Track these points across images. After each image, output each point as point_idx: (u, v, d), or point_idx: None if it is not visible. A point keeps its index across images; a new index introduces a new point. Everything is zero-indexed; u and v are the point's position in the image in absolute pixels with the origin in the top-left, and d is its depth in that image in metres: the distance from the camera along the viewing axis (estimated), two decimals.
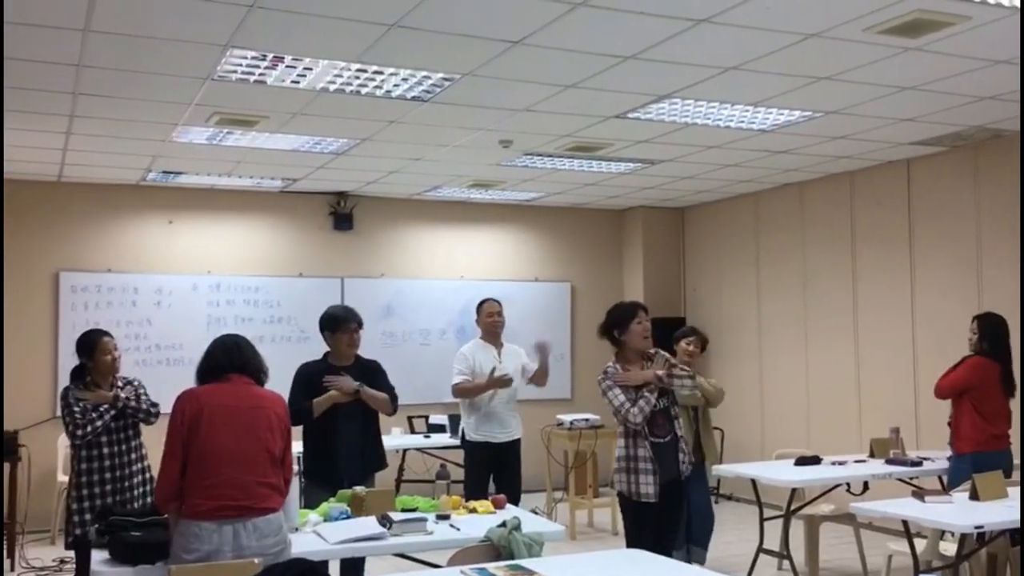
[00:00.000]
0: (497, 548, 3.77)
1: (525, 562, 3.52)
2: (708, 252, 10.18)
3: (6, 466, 6.92)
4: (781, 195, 9.11)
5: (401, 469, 8.58)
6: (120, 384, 5.08)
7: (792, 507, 5.97)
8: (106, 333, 5.15)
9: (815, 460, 6.15)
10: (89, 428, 4.81)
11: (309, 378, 5.06)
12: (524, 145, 7.20)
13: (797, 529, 6.34)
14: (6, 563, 6.83)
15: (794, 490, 5.83)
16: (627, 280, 10.58)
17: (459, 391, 6.30)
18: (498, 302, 6.55)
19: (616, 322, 4.90)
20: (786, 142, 7.15)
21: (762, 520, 6.05)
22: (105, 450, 4.86)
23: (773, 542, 6.10)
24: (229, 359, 3.70)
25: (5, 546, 6.92)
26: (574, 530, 7.72)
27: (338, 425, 5.01)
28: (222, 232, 9.07)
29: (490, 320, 6.44)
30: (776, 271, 9.20)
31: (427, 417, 8.64)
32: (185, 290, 8.85)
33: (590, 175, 8.47)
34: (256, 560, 3.06)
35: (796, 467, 6.03)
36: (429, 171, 8.21)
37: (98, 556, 3.72)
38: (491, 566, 3.43)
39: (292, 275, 9.27)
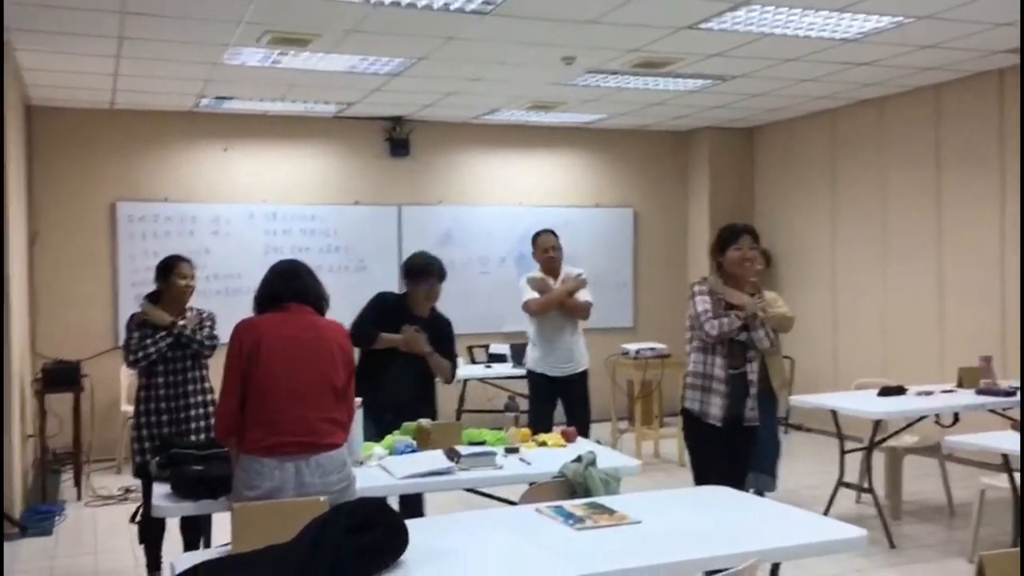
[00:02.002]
0: (572, 484, 3.57)
1: (605, 500, 3.31)
2: (779, 175, 9.73)
3: (70, 396, 6.94)
4: (859, 112, 8.61)
5: (462, 399, 8.45)
6: (188, 314, 4.93)
7: (871, 441, 5.69)
8: (185, 259, 4.99)
9: (900, 390, 5.84)
10: (141, 354, 4.69)
11: (384, 309, 4.89)
12: (587, 62, 6.82)
13: (877, 462, 6.07)
14: (74, 491, 6.88)
15: (877, 422, 5.54)
16: (692, 205, 10.20)
17: (535, 304, 6.08)
18: (554, 234, 6.27)
19: (718, 244, 4.61)
20: (870, 52, 6.67)
21: (843, 452, 5.78)
22: (161, 379, 4.74)
23: (851, 475, 5.83)
24: (288, 286, 3.49)
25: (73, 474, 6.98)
26: (641, 460, 7.51)
27: (393, 370, 4.83)
28: (277, 160, 8.87)
29: (546, 256, 6.20)
30: (852, 193, 8.75)
31: (487, 346, 8.47)
32: (242, 219, 8.72)
33: (656, 94, 8.06)
34: (322, 498, 2.88)
35: (880, 398, 5.73)
36: (488, 92, 7.88)
37: (160, 489, 3.61)
38: (568, 504, 3.23)
39: (348, 203, 9.07)
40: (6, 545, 5.68)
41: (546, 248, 6.22)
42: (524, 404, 8.05)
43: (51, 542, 5.80)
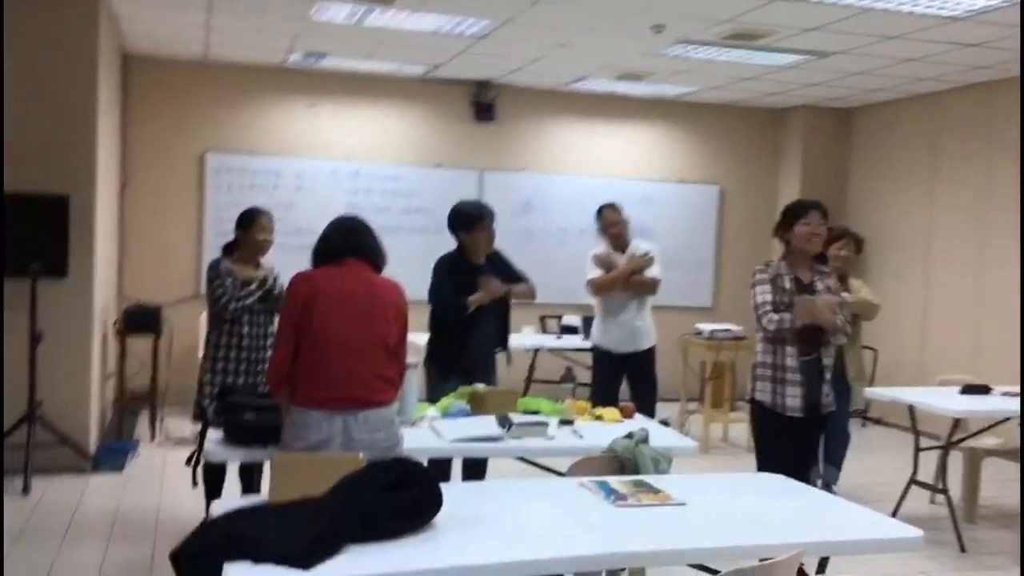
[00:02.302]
0: (621, 460, 3.48)
1: (650, 478, 3.22)
2: (876, 159, 9.35)
3: (150, 339, 7.14)
4: (966, 96, 8.18)
5: (532, 369, 8.41)
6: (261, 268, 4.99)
7: (953, 438, 5.44)
8: (265, 212, 5.04)
9: (984, 389, 5.56)
10: (241, 303, 4.75)
11: (453, 273, 4.84)
12: (678, 31, 6.63)
13: (955, 463, 5.81)
14: (148, 431, 7.09)
15: (957, 420, 5.28)
16: (783, 185, 9.89)
17: (596, 285, 5.98)
18: (616, 209, 6.12)
19: (785, 220, 4.44)
20: (980, 33, 6.31)
21: (918, 449, 5.54)
22: (245, 329, 4.78)
23: (925, 474, 5.59)
24: (345, 241, 3.47)
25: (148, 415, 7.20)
26: (707, 443, 7.39)
27: (476, 326, 4.82)
28: (363, 118, 8.92)
29: (611, 232, 6.07)
30: (953, 183, 8.35)
31: (560, 317, 8.39)
32: (325, 175, 8.80)
33: (749, 68, 7.80)
34: (362, 455, 2.86)
35: (962, 395, 5.47)
36: (575, 59, 7.74)
37: (214, 435, 3.66)
38: (613, 479, 3.15)
39: (431, 165, 9.07)
40: (79, 477, 5.90)
41: (610, 223, 6.08)
42: (554, 375, 8.07)
43: (121, 479, 5.99)
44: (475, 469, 4.90)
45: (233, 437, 3.57)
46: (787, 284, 4.32)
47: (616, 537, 2.58)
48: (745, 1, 5.81)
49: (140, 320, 7.01)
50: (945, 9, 5.77)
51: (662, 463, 3.47)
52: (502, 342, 5.06)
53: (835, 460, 6.06)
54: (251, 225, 4.86)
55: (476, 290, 4.78)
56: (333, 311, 3.30)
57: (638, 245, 6.13)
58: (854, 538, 2.70)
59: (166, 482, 5.95)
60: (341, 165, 8.84)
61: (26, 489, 5.53)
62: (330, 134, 8.81)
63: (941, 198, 8.48)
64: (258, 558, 2.28)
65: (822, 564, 2.96)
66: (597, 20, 6.39)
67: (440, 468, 4.59)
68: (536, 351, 8.38)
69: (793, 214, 4.43)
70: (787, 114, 9.84)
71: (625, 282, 5.97)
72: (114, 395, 7.33)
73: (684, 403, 7.73)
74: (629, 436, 3.57)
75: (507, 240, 9.13)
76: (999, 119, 7.85)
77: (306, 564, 2.25)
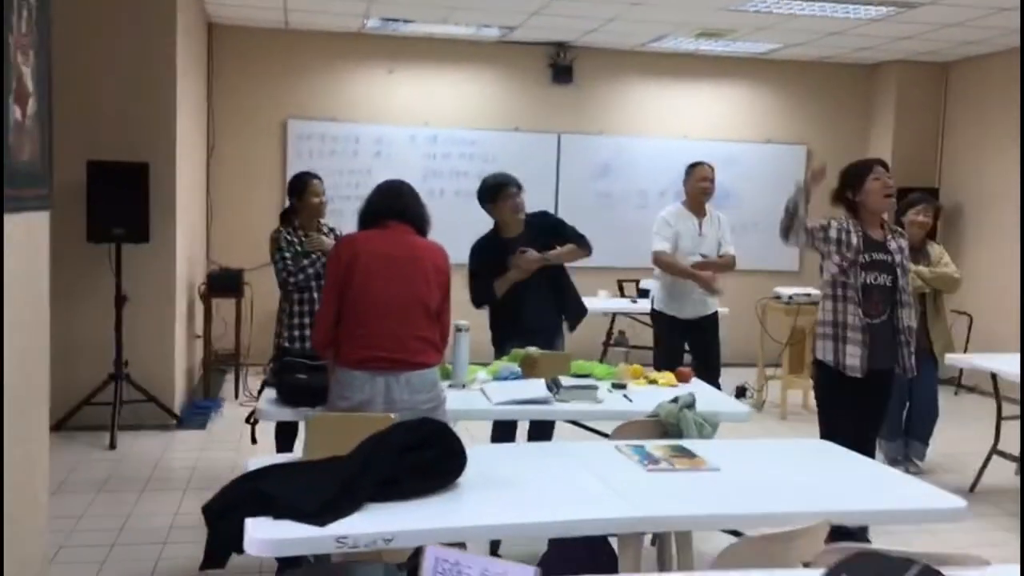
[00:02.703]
0: (665, 425, 3.45)
1: (689, 443, 3.18)
2: (973, 115, 8.90)
3: (232, 302, 7.38)
4: None
5: (610, 333, 8.38)
6: (325, 231, 5.07)
7: None
8: (315, 176, 5.12)
9: None
10: (301, 276, 4.81)
11: (484, 255, 4.71)
12: None
13: None
14: (233, 390, 7.34)
15: None
16: (874, 144, 9.51)
17: (662, 263, 5.86)
18: (711, 167, 5.96)
19: (850, 181, 4.30)
20: None
21: (999, 418, 5.32)
22: (316, 295, 4.82)
23: (1013, 444, 5.36)
24: (388, 205, 3.51)
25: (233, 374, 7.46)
26: (785, 410, 7.25)
27: (527, 297, 4.67)
28: (440, 83, 8.94)
29: (701, 186, 5.86)
30: None
31: (638, 282, 8.30)
32: (403, 141, 8.87)
33: (835, 22, 7.51)
34: (393, 415, 2.90)
35: None
36: (651, 17, 7.58)
37: (268, 395, 3.77)
38: (650, 444, 3.12)
39: (508, 129, 9.05)
40: (163, 433, 6.17)
41: (703, 178, 5.88)
42: (631, 340, 7.94)
43: (203, 435, 6.24)
44: (541, 431, 4.88)
45: (285, 396, 3.67)
46: (855, 240, 4.19)
47: (642, 501, 2.57)
48: None
49: (223, 283, 7.25)
50: None
51: (706, 428, 3.43)
52: (562, 309, 4.88)
53: (921, 435, 5.88)
54: (304, 190, 4.94)
55: (508, 258, 4.64)
56: (374, 273, 3.35)
57: (712, 214, 5.96)
58: (889, 508, 2.62)
59: (244, 439, 6.12)
60: (419, 131, 8.91)
61: (112, 444, 5.81)
62: (408, 99, 8.87)
63: None
64: (278, 514, 2.35)
65: (862, 532, 2.89)
66: None
67: (506, 430, 4.64)
68: (614, 315, 8.34)
69: (860, 173, 4.29)
70: (878, 70, 9.44)
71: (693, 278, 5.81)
72: (202, 355, 7.61)
73: (762, 368, 7.59)
74: (675, 401, 3.53)
75: (585, 204, 9.24)
76: None
77: (322, 521, 2.31)
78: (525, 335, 4.61)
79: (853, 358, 4.11)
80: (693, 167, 5.98)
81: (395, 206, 3.52)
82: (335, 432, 2.79)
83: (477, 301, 4.72)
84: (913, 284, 5.52)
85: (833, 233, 4.18)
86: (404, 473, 2.50)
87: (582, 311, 4.94)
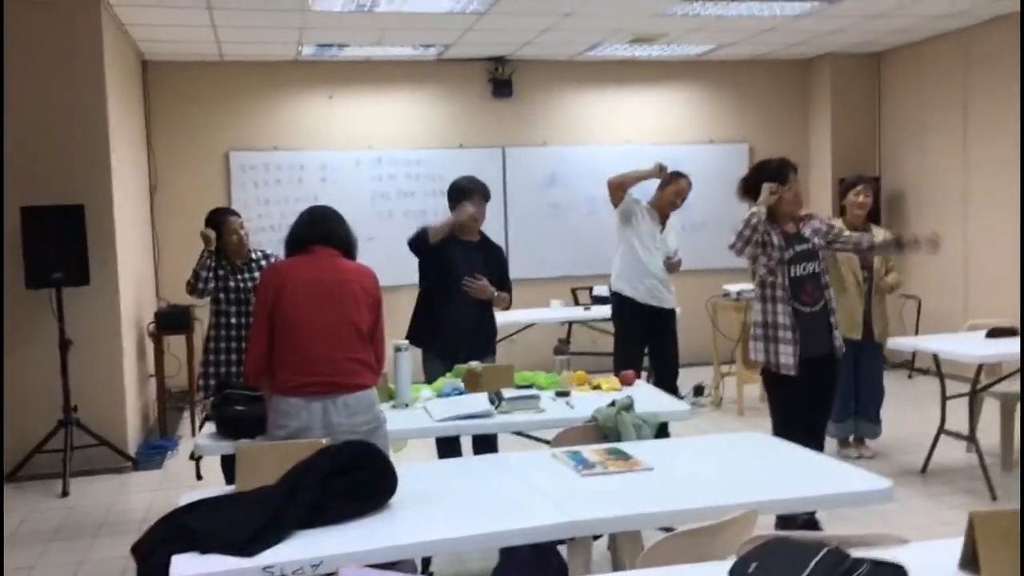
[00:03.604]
0: (603, 429, 3.47)
1: (625, 445, 3.20)
2: (907, 102, 9.06)
3: (183, 338, 7.32)
4: (994, 30, 7.86)
5: (567, 343, 8.39)
6: (254, 257, 5.06)
7: (982, 384, 5.28)
8: (232, 212, 5.12)
9: (1012, 332, 5.37)
10: (194, 281, 4.85)
11: (432, 237, 4.79)
12: None
13: (992, 409, 5.64)
14: (189, 427, 7.27)
15: (980, 366, 5.12)
16: (813, 137, 9.66)
17: (613, 180, 5.98)
18: (690, 184, 6.03)
19: (765, 180, 4.35)
20: None
21: (944, 398, 5.40)
22: (233, 320, 4.86)
23: (961, 423, 5.44)
24: (312, 230, 3.51)
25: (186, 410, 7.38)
26: (742, 406, 7.31)
27: (454, 295, 4.75)
28: (381, 105, 8.95)
29: (674, 201, 6.03)
30: (986, 119, 8.04)
31: (591, 289, 8.35)
32: (348, 166, 8.86)
33: (764, 20, 7.61)
34: (324, 440, 2.89)
35: (988, 339, 5.29)
36: (584, 27, 7.64)
37: (208, 428, 3.74)
38: (586, 449, 3.14)
39: (453, 147, 9.07)
40: (118, 476, 6.09)
41: (678, 192, 6.02)
42: (587, 347, 8.04)
43: (159, 475, 6.16)
44: (486, 444, 4.89)
45: (224, 429, 3.65)
46: (776, 239, 4.26)
47: (574, 506, 2.58)
48: None
49: (172, 320, 7.19)
50: None
51: (644, 429, 3.46)
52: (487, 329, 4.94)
53: (870, 415, 5.95)
54: (220, 228, 4.94)
55: (460, 263, 4.76)
56: (302, 298, 3.34)
57: (675, 225, 6.15)
58: (816, 494, 2.65)
59: (204, 476, 6.10)
60: (364, 154, 8.90)
61: (65, 492, 5.72)
62: (350, 123, 8.87)
63: (975, 136, 8.19)
64: (205, 548, 2.33)
65: (811, 520, 2.92)
66: None
67: (450, 445, 4.64)
68: (571, 324, 8.37)
69: (772, 177, 4.33)
70: (814, 64, 9.59)
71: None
72: (156, 394, 7.53)
73: (717, 366, 7.64)
74: (612, 404, 3.55)
75: (534, 215, 9.29)
76: None
77: (250, 552, 2.30)
78: (444, 339, 4.70)
79: (786, 356, 4.18)
80: (674, 179, 6.05)
81: (320, 231, 3.52)
82: (267, 462, 2.77)
83: (412, 240, 4.80)
84: (852, 267, 5.63)
85: (759, 235, 4.24)
86: (332, 497, 2.50)
87: (491, 347, 4.98)
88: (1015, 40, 7.66)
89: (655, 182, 6.11)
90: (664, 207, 6.04)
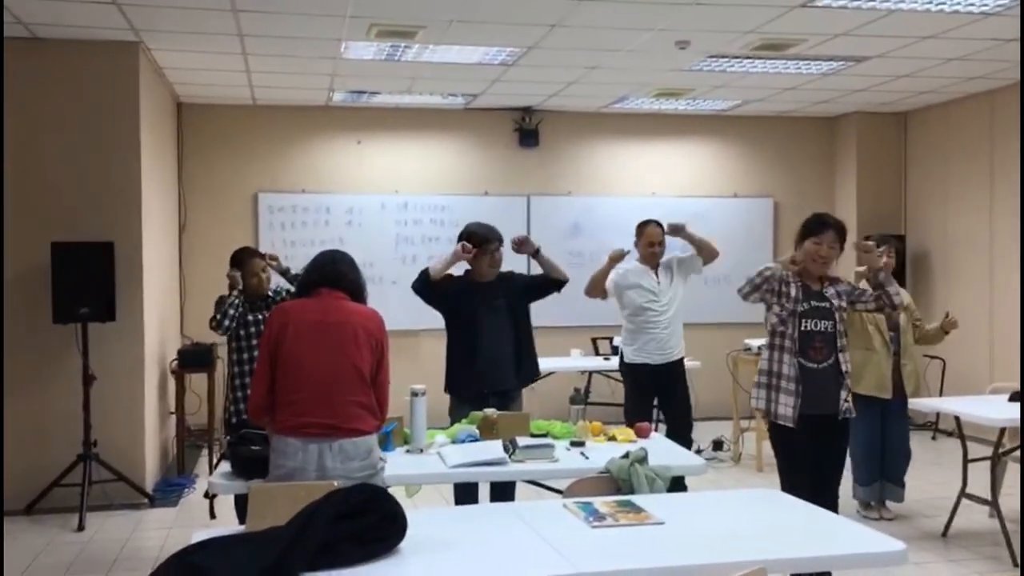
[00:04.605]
0: (617, 480, 3.46)
1: (637, 498, 3.18)
2: (933, 162, 9.06)
3: (204, 376, 7.38)
4: (1020, 92, 7.87)
5: (587, 392, 8.37)
6: (271, 294, 5.16)
7: (1005, 448, 5.21)
8: (257, 253, 5.21)
9: None
10: (220, 317, 4.92)
11: (449, 284, 4.86)
12: (704, 46, 6.57)
13: (1015, 474, 5.55)
14: (207, 465, 7.29)
15: (1003, 429, 5.06)
16: (839, 195, 9.66)
17: (587, 287, 6.02)
18: (661, 228, 6.06)
19: (801, 233, 4.39)
20: (1018, 27, 6.08)
21: (966, 461, 5.33)
22: (246, 355, 4.92)
23: (985, 487, 5.35)
24: (321, 274, 3.56)
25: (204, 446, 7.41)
26: (761, 461, 7.22)
27: (483, 331, 4.78)
28: (409, 151, 9.07)
29: (651, 250, 6.02)
30: (1012, 181, 8.01)
31: (611, 339, 8.33)
32: (374, 209, 8.97)
33: (787, 78, 7.67)
34: (336, 483, 2.90)
35: (1010, 403, 5.23)
36: (610, 80, 7.74)
37: (223, 467, 3.76)
38: (598, 500, 3.13)
39: (478, 194, 9.16)
40: (135, 513, 6.12)
41: (652, 241, 6.03)
42: (607, 397, 8.03)
43: (174, 513, 6.18)
44: (502, 492, 4.87)
45: (238, 468, 3.66)
46: (793, 291, 4.26)
47: (583, 559, 2.56)
48: (764, 11, 5.73)
49: (194, 358, 7.25)
50: (973, 6, 5.59)
51: (658, 482, 3.44)
52: (519, 361, 4.91)
53: (895, 477, 5.88)
54: (243, 269, 5.04)
55: (480, 301, 4.80)
56: (303, 339, 3.37)
57: (668, 261, 6.09)
58: (828, 554, 2.62)
59: (217, 515, 6.10)
60: (390, 198, 9.01)
61: (81, 526, 5.75)
62: (378, 168, 8.99)
63: (1002, 200, 8.16)
64: None
65: None
66: (618, 41, 6.39)
67: (467, 492, 4.63)
68: (591, 374, 8.35)
69: (808, 228, 4.37)
70: (840, 121, 9.63)
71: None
72: (175, 431, 7.57)
73: (737, 421, 7.59)
74: (626, 456, 3.54)
75: (557, 262, 9.26)
76: None
77: None
78: (480, 375, 4.70)
79: (785, 407, 4.16)
80: (642, 227, 6.10)
81: (328, 274, 3.56)
82: (279, 502, 2.79)
83: (415, 282, 4.84)
84: (879, 326, 5.60)
85: (775, 284, 4.24)
86: (340, 540, 2.50)
87: (534, 370, 4.99)
88: None
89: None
90: (647, 258, 6.05)
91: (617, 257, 5.92)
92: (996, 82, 7.86)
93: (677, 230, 5.97)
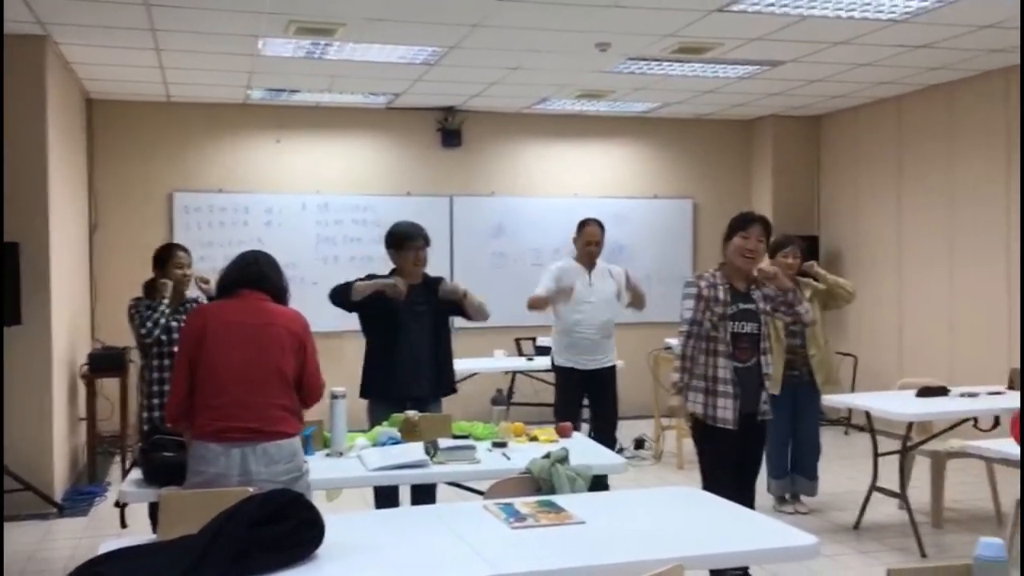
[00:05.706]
0: (538, 480, 3.46)
1: (558, 498, 3.19)
2: (845, 165, 9.32)
3: (117, 381, 7.17)
4: (927, 98, 8.15)
5: (510, 393, 8.38)
6: (189, 299, 5.03)
7: (913, 442, 5.38)
8: (182, 248, 5.08)
9: (941, 391, 5.50)
10: (150, 325, 4.77)
11: (354, 295, 4.68)
12: (624, 48, 6.64)
13: (924, 467, 5.74)
14: (119, 473, 7.08)
15: (910, 424, 5.23)
16: (756, 196, 9.87)
17: (529, 303, 6.02)
18: (601, 228, 6.10)
19: (727, 232, 4.44)
20: (925, 34, 6.29)
21: (876, 455, 5.48)
22: (170, 361, 4.77)
23: (894, 480, 5.51)
24: (241, 274, 3.48)
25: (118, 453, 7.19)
26: (682, 459, 7.33)
27: (400, 338, 4.67)
28: (330, 151, 8.96)
29: (588, 249, 6.06)
30: (920, 183, 8.30)
31: (534, 339, 8.36)
32: (294, 209, 8.83)
33: (707, 81, 7.80)
34: (251, 489, 2.84)
35: (918, 399, 5.40)
36: (531, 81, 7.77)
37: (135, 475, 3.65)
38: (518, 501, 3.12)
39: (400, 194, 9.09)
40: (43, 523, 5.90)
41: (590, 240, 6.06)
42: (530, 397, 8.09)
43: (84, 522, 5.98)
44: (424, 494, 4.83)
45: (151, 475, 3.56)
46: (721, 294, 4.31)
47: (497, 559, 2.55)
48: (682, 15, 5.81)
49: (105, 362, 7.03)
50: (882, 12, 5.76)
51: (578, 481, 3.45)
52: (439, 372, 4.82)
53: (807, 471, 5.99)
54: (167, 261, 4.91)
55: (397, 306, 4.64)
56: (224, 341, 3.30)
57: (601, 267, 6.13)
58: (743, 549, 2.66)
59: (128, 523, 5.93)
60: (310, 198, 8.88)
61: None
62: (298, 168, 8.86)
63: (909, 200, 8.44)
64: None
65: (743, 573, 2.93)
66: (539, 42, 6.42)
67: (388, 495, 4.58)
68: (514, 374, 8.36)
69: (734, 226, 4.42)
70: (756, 124, 9.83)
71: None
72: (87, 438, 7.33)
73: (658, 419, 7.68)
74: (547, 456, 3.55)
75: (480, 264, 9.32)
76: (959, 118, 7.81)
77: None
78: (398, 381, 4.61)
79: (724, 410, 4.21)
80: (583, 226, 6.14)
81: (249, 275, 3.49)
82: (191, 510, 2.72)
83: (333, 293, 4.70)
84: (773, 323, 5.71)
85: (705, 292, 4.27)
86: (256, 547, 2.44)
87: (451, 381, 4.88)
88: (945, 110, 7.96)
89: (570, 237, 6.24)
90: (583, 257, 6.10)
91: (567, 294, 5.94)
92: (903, 87, 8.12)
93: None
